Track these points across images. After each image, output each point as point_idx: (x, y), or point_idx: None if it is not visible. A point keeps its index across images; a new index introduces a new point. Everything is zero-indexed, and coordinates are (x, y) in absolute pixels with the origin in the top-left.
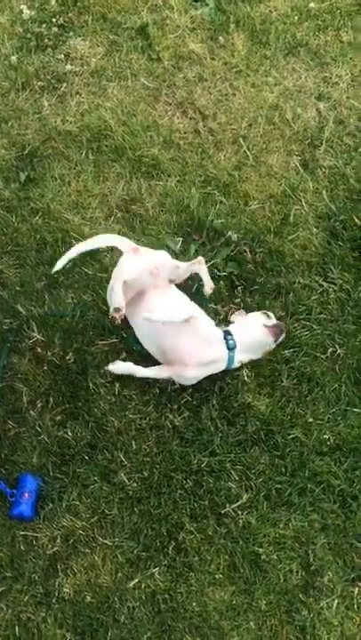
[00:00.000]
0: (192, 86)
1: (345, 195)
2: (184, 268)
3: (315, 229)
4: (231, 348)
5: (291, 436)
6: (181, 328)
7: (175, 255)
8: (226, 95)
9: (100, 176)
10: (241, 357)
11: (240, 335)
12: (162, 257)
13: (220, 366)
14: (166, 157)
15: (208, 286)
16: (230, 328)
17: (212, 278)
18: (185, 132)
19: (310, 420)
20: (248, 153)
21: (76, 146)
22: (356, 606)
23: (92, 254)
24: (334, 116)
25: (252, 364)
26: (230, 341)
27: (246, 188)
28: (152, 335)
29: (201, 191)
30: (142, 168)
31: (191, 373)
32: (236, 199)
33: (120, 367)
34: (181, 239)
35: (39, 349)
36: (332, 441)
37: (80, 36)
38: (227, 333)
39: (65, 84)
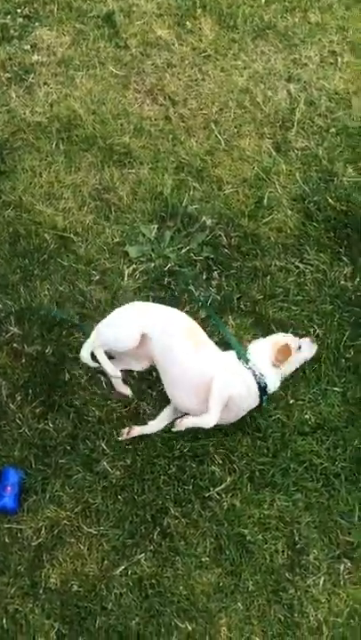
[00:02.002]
0: (161, 73)
1: (318, 176)
2: None
3: (289, 211)
4: (264, 388)
5: (272, 418)
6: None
7: (150, 242)
8: (195, 80)
9: (71, 166)
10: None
11: (265, 366)
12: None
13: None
14: (138, 145)
15: None
16: (253, 361)
17: (189, 264)
18: (156, 119)
19: (291, 401)
20: (220, 137)
21: (46, 137)
22: (342, 582)
23: (66, 245)
24: (305, 97)
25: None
26: (262, 383)
27: (219, 173)
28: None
29: (174, 177)
30: (114, 157)
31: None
32: (210, 184)
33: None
34: (156, 226)
35: (16, 344)
36: (313, 421)
37: (46, 25)
38: (261, 387)
39: (32, 75)
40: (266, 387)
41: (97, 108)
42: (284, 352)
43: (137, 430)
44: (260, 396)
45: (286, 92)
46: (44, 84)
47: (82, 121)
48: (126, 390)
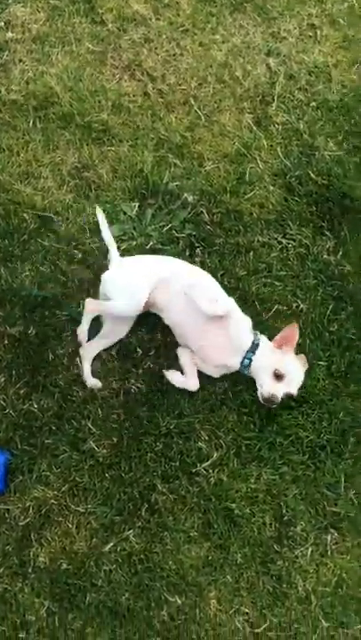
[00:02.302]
0: (138, 48)
1: (299, 150)
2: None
3: (271, 187)
4: (245, 366)
5: (257, 393)
6: (213, 324)
7: (132, 220)
8: (174, 55)
9: (49, 144)
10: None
11: (261, 361)
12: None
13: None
14: (116, 122)
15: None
16: (261, 348)
17: (171, 241)
18: (134, 95)
19: None
20: (200, 113)
21: (23, 115)
22: (329, 552)
23: (46, 224)
24: (285, 71)
25: None
26: (246, 360)
27: (200, 149)
28: (184, 320)
29: (154, 154)
30: (92, 134)
31: (206, 370)
32: (191, 160)
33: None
34: (137, 204)
35: None
36: (298, 395)
37: (19, 2)
38: (251, 349)
39: (7, 53)
40: (257, 346)
41: (74, 85)
42: (290, 336)
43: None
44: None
45: (266, 66)
46: (20, 61)
47: (59, 98)
48: (97, 384)
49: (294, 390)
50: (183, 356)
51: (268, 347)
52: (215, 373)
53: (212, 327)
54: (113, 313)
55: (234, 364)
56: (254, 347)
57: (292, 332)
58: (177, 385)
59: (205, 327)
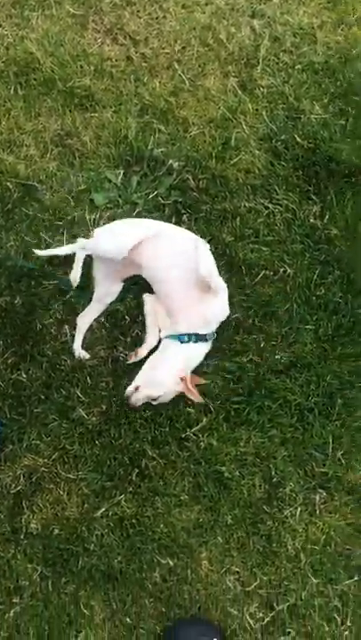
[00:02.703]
0: (120, 11)
1: (285, 114)
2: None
3: (257, 151)
4: (181, 342)
5: (245, 360)
6: (195, 292)
7: (117, 188)
8: (156, 18)
9: (31, 111)
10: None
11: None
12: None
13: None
14: (99, 87)
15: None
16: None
17: (157, 208)
18: (117, 60)
19: (263, 344)
20: (184, 77)
21: (3, 81)
22: (318, 512)
23: (30, 193)
24: (269, 33)
25: None
26: (185, 337)
27: (185, 114)
28: (168, 277)
29: (138, 120)
30: (75, 100)
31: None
32: (176, 126)
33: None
34: (122, 171)
35: None
36: (286, 359)
37: None
38: (198, 337)
39: None
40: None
41: (55, 50)
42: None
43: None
44: None
45: (250, 29)
46: None
47: (40, 64)
48: (85, 355)
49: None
50: (148, 304)
51: (182, 367)
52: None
53: (194, 294)
54: (99, 250)
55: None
56: (202, 338)
57: (194, 394)
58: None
59: (188, 293)
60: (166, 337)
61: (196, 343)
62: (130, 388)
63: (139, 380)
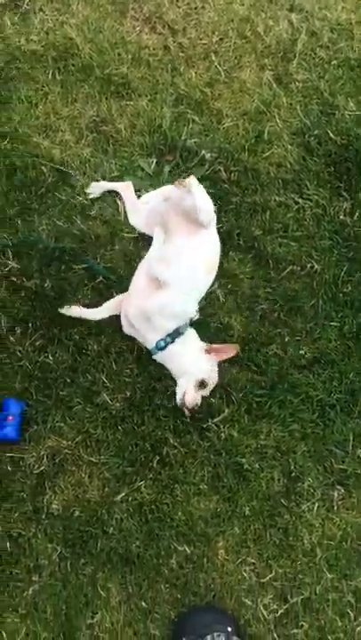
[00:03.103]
0: (160, 0)
1: (319, 109)
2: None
3: (289, 146)
4: (159, 348)
5: (269, 353)
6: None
7: (149, 176)
8: (195, 9)
9: (68, 97)
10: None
11: (188, 364)
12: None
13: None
14: (136, 76)
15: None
16: (187, 344)
17: None
18: (154, 49)
19: (288, 338)
20: (220, 69)
21: (42, 66)
22: (335, 508)
23: (64, 179)
24: (307, 27)
25: (232, 285)
26: (161, 343)
27: (219, 106)
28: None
29: (173, 110)
30: (111, 87)
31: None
32: (210, 117)
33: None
34: (155, 160)
35: (14, 278)
36: (310, 355)
37: None
38: (172, 335)
39: (27, 2)
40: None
41: (94, 37)
42: (225, 352)
43: (76, 310)
44: None
45: (288, 22)
46: (40, 10)
47: (78, 50)
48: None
49: (208, 393)
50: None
51: (198, 347)
52: (125, 322)
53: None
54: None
55: (146, 329)
56: (176, 334)
57: (229, 350)
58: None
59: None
60: (154, 353)
61: (175, 343)
62: (178, 399)
63: (179, 393)
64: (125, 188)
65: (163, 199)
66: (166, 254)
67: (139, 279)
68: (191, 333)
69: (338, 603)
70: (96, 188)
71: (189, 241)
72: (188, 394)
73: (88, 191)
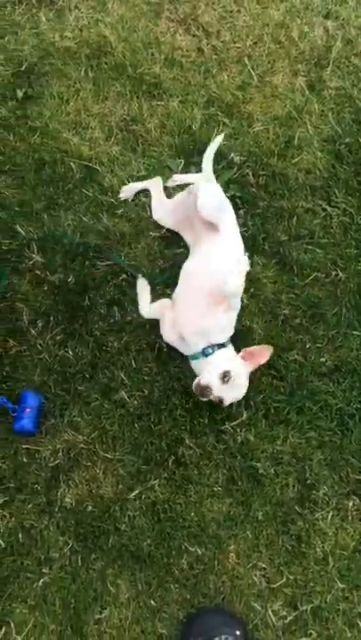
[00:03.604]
0: (195, 2)
1: (351, 117)
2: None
3: (319, 152)
4: (206, 354)
5: (290, 359)
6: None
7: None
8: (230, 12)
9: (99, 95)
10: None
11: (219, 359)
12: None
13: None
14: (168, 76)
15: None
16: (226, 352)
17: None
18: (187, 50)
19: (309, 345)
20: (252, 73)
21: (75, 63)
22: (350, 518)
23: (92, 176)
24: (342, 35)
25: (255, 289)
26: (209, 350)
27: (250, 109)
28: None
29: (204, 112)
30: (143, 87)
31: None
32: (240, 120)
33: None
34: (183, 161)
35: (38, 271)
36: (330, 363)
37: None
38: (219, 346)
39: None
40: (222, 347)
41: (128, 36)
42: (260, 355)
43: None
44: None
45: (323, 29)
46: (75, 7)
47: (112, 48)
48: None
49: (228, 400)
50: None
51: (233, 353)
52: (171, 333)
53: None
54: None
55: (198, 342)
56: (222, 346)
57: (264, 352)
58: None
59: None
60: (197, 358)
61: (215, 353)
62: (195, 383)
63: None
64: (154, 184)
65: (187, 193)
66: (210, 266)
67: (193, 295)
68: (230, 347)
69: (348, 613)
70: (128, 192)
71: (215, 246)
72: (203, 377)
73: (121, 195)
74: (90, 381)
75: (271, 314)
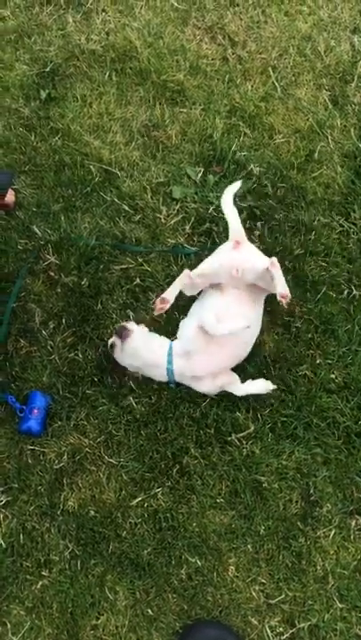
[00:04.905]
0: (223, 10)
1: None
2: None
3: (339, 168)
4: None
5: (299, 374)
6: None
7: (195, 184)
8: (257, 22)
9: (122, 99)
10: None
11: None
12: (256, 262)
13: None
14: (192, 84)
15: (280, 291)
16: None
17: None
18: (212, 59)
19: (319, 360)
20: (276, 84)
21: (100, 66)
22: (352, 537)
23: (111, 180)
24: None
25: (267, 302)
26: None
27: (272, 121)
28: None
29: (225, 121)
30: (166, 93)
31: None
32: (261, 132)
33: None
34: (202, 169)
35: (52, 272)
36: (340, 380)
37: None
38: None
39: (91, 1)
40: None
41: (154, 42)
42: None
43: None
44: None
45: (350, 44)
46: (103, 11)
47: (137, 53)
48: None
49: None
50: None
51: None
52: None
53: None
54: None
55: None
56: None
57: None
58: None
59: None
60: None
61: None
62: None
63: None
64: (187, 279)
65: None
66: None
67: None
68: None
69: (345, 633)
70: (169, 302)
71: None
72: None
73: (156, 313)
74: (98, 386)
75: (283, 327)
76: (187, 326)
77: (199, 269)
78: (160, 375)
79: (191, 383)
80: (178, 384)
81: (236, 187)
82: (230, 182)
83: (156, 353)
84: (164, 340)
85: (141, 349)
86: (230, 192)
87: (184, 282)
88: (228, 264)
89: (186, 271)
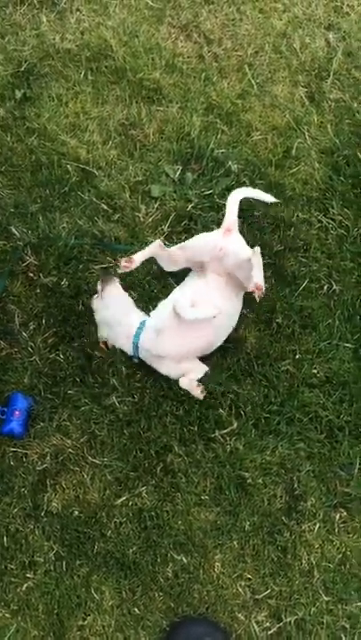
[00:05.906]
0: (198, 8)
1: (350, 129)
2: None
3: (317, 164)
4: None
5: (281, 369)
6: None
7: (173, 183)
8: (233, 20)
9: (98, 98)
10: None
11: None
12: (241, 250)
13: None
14: (168, 82)
15: (255, 281)
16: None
17: (211, 208)
18: (188, 57)
19: (299, 355)
20: (253, 82)
21: (75, 65)
22: (336, 530)
23: (88, 179)
24: (343, 47)
25: (248, 298)
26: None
27: (249, 118)
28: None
29: (203, 119)
30: (143, 92)
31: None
32: (239, 129)
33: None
34: (180, 167)
35: (31, 273)
36: (322, 374)
37: None
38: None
39: (65, 1)
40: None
41: (129, 40)
42: None
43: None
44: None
45: (325, 41)
46: (77, 10)
47: (112, 52)
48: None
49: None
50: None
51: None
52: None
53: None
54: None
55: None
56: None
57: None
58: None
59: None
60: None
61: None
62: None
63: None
64: (158, 248)
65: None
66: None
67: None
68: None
69: (332, 626)
70: (135, 263)
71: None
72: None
73: (128, 266)
74: (80, 386)
75: (264, 322)
76: (163, 306)
77: (182, 243)
78: (127, 347)
79: (153, 362)
80: (141, 362)
81: (254, 193)
82: (209, 180)
83: (130, 317)
84: (142, 315)
85: (118, 304)
86: (245, 193)
87: (153, 250)
88: (213, 243)
89: (158, 241)
